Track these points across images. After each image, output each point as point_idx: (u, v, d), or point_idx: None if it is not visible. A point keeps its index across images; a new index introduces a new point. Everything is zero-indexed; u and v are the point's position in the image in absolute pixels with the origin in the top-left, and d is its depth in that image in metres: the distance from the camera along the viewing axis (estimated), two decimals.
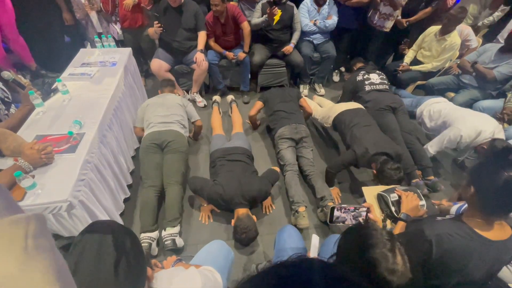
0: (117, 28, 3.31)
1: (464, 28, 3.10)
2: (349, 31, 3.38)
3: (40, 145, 1.47)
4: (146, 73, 3.55)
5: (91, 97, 2.04)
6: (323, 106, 2.92)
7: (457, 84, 3.04)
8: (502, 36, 3.29)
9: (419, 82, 3.28)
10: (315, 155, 2.54)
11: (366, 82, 2.69)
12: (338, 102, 2.94)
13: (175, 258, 1.23)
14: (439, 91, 3.09)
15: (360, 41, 3.56)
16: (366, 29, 3.36)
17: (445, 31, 2.86)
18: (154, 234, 1.86)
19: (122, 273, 0.63)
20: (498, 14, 3.25)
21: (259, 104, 2.66)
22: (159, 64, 2.91)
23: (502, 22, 3.36)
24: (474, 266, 1.01)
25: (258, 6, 3.00)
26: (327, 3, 3.08)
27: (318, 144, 2.81)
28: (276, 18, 2.91)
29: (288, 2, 3.03)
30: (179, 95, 2.63)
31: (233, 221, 1.85)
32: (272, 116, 2.53)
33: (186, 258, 1.35)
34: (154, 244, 1.84)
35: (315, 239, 1.28)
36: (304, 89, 3.48)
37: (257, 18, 2.97)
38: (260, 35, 3.15)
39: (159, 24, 2.75)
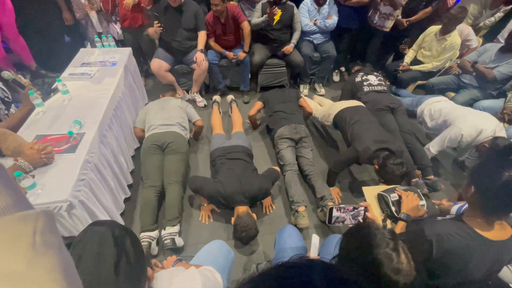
0: (117, 28, 3.30)
1: (464, 28, 3.09)
2: (349, 31, 3.38)
3: (40, 145, 1.47)
4: (146, 73, 3.55)
5: (91, 97, 2.04)
6: (323, 105, 2.92)
7: (457, 84, 3.04)
8: (503, 36, 3.28)
9: (419, 82, 3.28)
10: (315, 155, 2.54)
11: (365, 83, 2.70)
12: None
13: (175, 258, 1.23)
14: (439, 91, 3.09)
15: (360, 41, 3.56)
16: (366, 29, 3.36)
17: (445, 31, 2.86)
18: (154, 234, 1.87)
19: (122, 273, 0.62)
20: (499, 15, 3.25)
21: (259, 104, 2.66)
22: (159, 64, 2.91)
23: (502, 22, 3.35)
24: (475, 266, 1.01)
25: (258, 6, 3.00)
26: (327, 3, 3.07)
27: (318, 144, 2.81)
28: (276, 18, 2.91)
29: (288, 2, 3.02)
30: (179, 95, 2.63)
31: (233, 220, 1.85)
32: (272, 117, 2.54)
33: (186, 258, 1.35)
34: (154, 243, 1.84)
35: (315, 239, 1.28)
36: (304, 89, 3.48)
37: (257, 18, 2.96)
38: (260, 35, 3.14)
39: (159, 24, 2.75)
